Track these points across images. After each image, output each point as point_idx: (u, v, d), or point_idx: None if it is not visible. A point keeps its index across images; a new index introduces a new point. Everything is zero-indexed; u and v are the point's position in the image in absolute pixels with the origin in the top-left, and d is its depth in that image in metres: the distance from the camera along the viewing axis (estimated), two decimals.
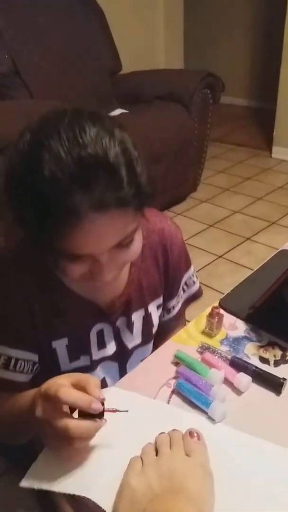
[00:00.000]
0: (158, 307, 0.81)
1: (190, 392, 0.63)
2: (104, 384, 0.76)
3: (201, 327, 0.77)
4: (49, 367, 0.71)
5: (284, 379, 0.64)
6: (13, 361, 0.67)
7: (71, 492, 0.50)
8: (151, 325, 0.80)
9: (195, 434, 0.54)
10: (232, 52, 4.59)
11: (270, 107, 3.41)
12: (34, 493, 0.53)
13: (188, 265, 0.84)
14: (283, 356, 0.71)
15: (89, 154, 0.47)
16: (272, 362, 0.70)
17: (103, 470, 0.53)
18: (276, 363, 0.70)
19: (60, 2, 2.45)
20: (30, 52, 2.28)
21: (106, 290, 0.71)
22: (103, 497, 0.49)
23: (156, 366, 0.70)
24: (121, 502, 0.47)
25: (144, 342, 0.79)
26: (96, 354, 0.74)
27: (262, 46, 4.36)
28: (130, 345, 0.78)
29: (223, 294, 0.86)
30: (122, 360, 0.79)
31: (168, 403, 0.63)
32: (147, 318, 0.78)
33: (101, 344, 0.74)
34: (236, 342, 0.74)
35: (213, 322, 0.75)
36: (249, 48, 4.51)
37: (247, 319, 0.79)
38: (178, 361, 0.69)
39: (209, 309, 0.76)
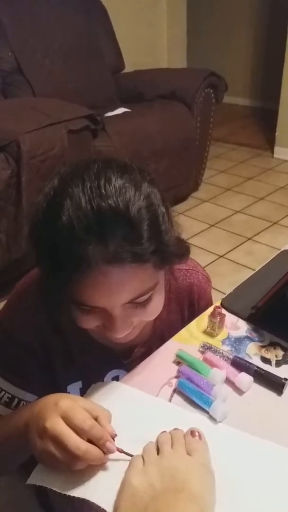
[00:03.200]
0: None
1: (191, 391, 0.63)
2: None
3: (203, 327, 0.77)
4: None
5: (286, 379, 0.64)
6: (16, 401, 0.66)
7: (72, 494, 0.50)
8: None
9: (197, 433, 0.54)
10: (235, 52, 4.58)
11: (273, 107, 3.41)
12: (34, 492, 0.53)
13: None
14: (284, 356, 0.71)
15: (110, 205, 0.46)
16: (273, 362, 0.70)
17: (104, 469, 0.53)
18: (278, 363, 0.70)
19: (63, 1, 2.45)
20: (33, 50, 2.28)
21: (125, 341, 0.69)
22: (104, 496, 0.49)
23: (157, 365, 0.70)
24: (122, 501, 0.47)
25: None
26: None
27: (265, 45, 4.35)
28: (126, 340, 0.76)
29: (225, 294, 0.86)
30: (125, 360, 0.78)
31: (169, 402, 0.63)
32: None
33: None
34: (237, 342, 0.74)
35: (215, 321, 0.74)
36: (252, 47, 4.50)
37: (249, 319, 0.79)
38: (179, 360, 0.69)
39: (211, 309, 0.76)
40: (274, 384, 0.65)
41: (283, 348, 0.73)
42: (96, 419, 0.50)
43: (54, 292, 0.52)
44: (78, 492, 0.50)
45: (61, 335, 0.66)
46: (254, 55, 4.52)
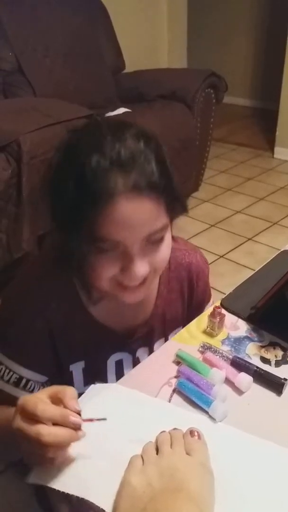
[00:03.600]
0: None
1: (191, 391, 0.63)
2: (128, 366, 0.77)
3: (203, 327, 0.78)
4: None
5: (285, 379, 0.64)
6: (24, 381, 0.67)
7: (72, 493, 0.50)
8: None
9: (196, 433, 0.54)
10: (235, 52, 4.58)
11: (273, 108, 3.41)
12: (33, 492, 0.53)
13: (208, 298, 0.86)
14: (284, 356, 0.71)
15: (129, 145, 0.53)
16: (273, 362, 0.70)
17: (103, 469, 0.53)
18: (277, 364, 0.70)
19: (63, 0, 2.45)
20: (33, 50, 2.28)
21: (129, 314, 0.71)
22: (103, 496, 0.49)
23: (157, 365, 0.71)
24: (121, 501, 0.47)
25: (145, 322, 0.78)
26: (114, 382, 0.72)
27: (266, 46, 4.35)
28: (134, 323, 0.75)
29: (224, 294, 0.86)
30: (151, 344, 0.79)
31: (169, 402, 0.63)
32: None
33: (120, 374, 0.74)
34: (237, 342, 0.75)
35: (215, 322, 0.75)
36: (252, 48, 4.50)
37: (248, 319, 0.79)
38: (179, 360, 0.70)
39: (210, 309, 0.76)
40: (273, 384, 0.65)
41: (283, 348, 0.73)
42: (62, 400, 0.50)
43: (74, 242, 0.56)
44: (77, 491, 0.50)
45: (64, 316, 0.67)
46: (255, 56, 4.52)
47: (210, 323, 0.76)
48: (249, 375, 0.65)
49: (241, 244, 2.28)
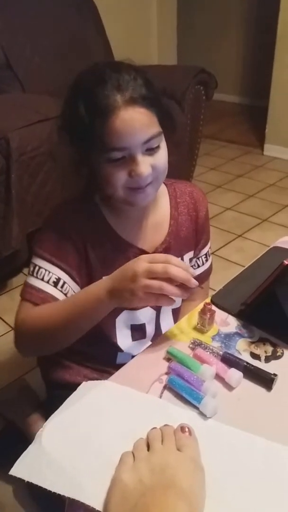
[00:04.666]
0: (190, 260, 0.93)
1: (181, 387, 0.63)
2: (143, 330, 0.87)
3: (193, 323, 0.78)
4: None
5: (275, 375, 0.65)
6: (61, 282, 0.76)
7: (60, 493, 0.50)
8: None
9: (187, 429, 0.54)
10: (225, 49, 4.59)
11: (263, 105, 3.42)
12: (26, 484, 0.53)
13: (208, 238, 0.97)
14: (274, 352, 0.72)
15: (124, 73, 0.68)
16: (263, 358, 0.71)
17: (94, 465, 0.53)
18: (267, 359, 0.70)
19: None
20: (22, 47, 2.25)
21: (149, 232, 0.82)
22: (94, 494, 0.49)
23: (148, 361, 0.71)
24: (112, 497, 0.47)
25: None
26: None
27: (255, 43, 4.36)
28: None
29: (215, 290, 0.86)
30: (159, 307, 0.88)
31: (160, 398, 0.64)
32: None
33: None
34: (227, 338, 0.75)
35: (205, 318, 0.75)
36: (242, 45, 4.51)
37: (238, 315, 0.80)
38: (170, 357, 0.70)
39: (201, 305, 0.76)
40: (263, 379, 0.65)
41: (272, 344, 0.73)
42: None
43: (91, 159, 0.70)
44: (65, 491, 0.50)
45: (92, 231, 0.78)
46: (245, 53, 4.53)
47: (201, 319, 0.76)
48: (239, 371, 0.66)
49: (231, 241, 2.28)
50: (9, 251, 1.70)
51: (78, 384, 0.66)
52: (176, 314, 0.94)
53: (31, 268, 0.76)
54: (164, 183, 0.84)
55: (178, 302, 0.92)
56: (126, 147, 0.67)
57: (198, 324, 0.77)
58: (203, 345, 0.71)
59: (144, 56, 3.32)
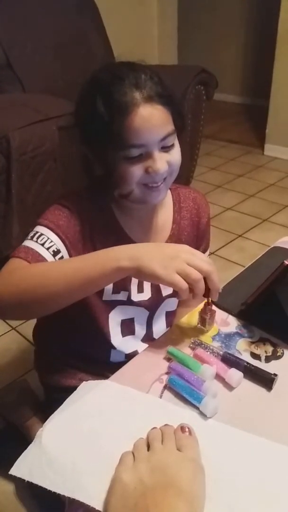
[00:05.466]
0: None
1: (182, 387, 0.63)
2: (132, 326, 0.86)
3: (194, 323, 0.78)
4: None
5: (275, 375, 0.65)
6: (60, 254, 0.73)
7: (60, 492, 0.50)
8: None
9: (187, 429, 0.54)
10: (226, 49, 4.58)
11: (263, 105, 3.42)
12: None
13: (208, 245, 0.98)
14: (274, 352, 0.72)
15: (140, 72, 0.70)
16: (263, 358, 0.71)
17: (94, 465, 0.53)
18: (267, 359, 0.70)
19: None
20: (22, 45, 2.25)
21: (152, 234, 0.83)
22: (94, 494, 0.49)
23: (148, 361, 0.71)
24: (113, 497, 0.47)
25: (175, 292, 0.84)
26: (135, 296, 0.83)
27: (256, 43, 4.36)
28: (164, 293, 0.87)
29: None
30: (153, 308, 0.88)
31: (160, 398, 0.64)
32: None
33: (140, 288, 0.83)
34: (228, 338, 0.75)
35: (206, 318, 0.75)
36: (242, 44, 4.51)
37: (239, 315, 0.80)
38: (170, 356, 0.70)
39: (201, 305, 0.76)
40: (263, 379, 0.65)
41: (273, 344, 0.73)
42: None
43: (107, 156, 0.70)
44: (66, 490, 0.50)
45: (101, 225, 0.78)
46: (245, 52, 4.53)
47: (201, 319, 0.76)
48: (240, 371, 0.66)
49: (231, 240, 2.28)
50: (10, 250, 1.69)
51: (74, 387, 0.65)
52: (170, 318, 0.93)
53: (31, 234, 0.73)
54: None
55: (173, 305, 0.92)
56: (144, 144, 0.69)
57: (198, 324, 0.77)
58: (203, 345, 0.71)
59: (144, 56, 3.29)
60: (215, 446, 0.55)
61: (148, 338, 0.89)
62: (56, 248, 0.72)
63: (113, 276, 0.63)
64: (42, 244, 0.71)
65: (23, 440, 0.80)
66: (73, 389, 0.65)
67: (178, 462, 0.49)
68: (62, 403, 0.62)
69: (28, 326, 1.39)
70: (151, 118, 0.68)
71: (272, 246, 1.04)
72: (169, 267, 0.61)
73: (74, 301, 0.66)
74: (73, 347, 0.89)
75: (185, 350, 0.71)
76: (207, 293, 0.65)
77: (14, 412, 1.13)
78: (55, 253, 0.72)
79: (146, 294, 0.85)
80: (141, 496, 0.46)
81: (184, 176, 2.66)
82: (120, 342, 0.86)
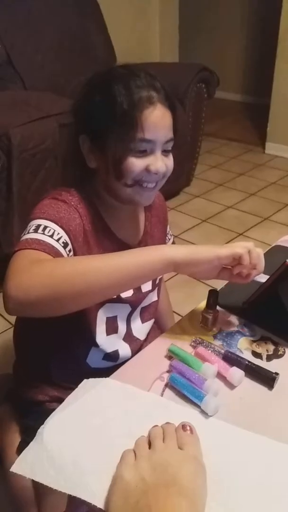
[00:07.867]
0: None
1: (183, 386, 0.63)
2: (115, 324, 0.85)
3: (195, 322, 0.78)
4: None
5: (277, 373, 0.65)
6: (69, 247, 0.72)
7: (62, 490, 0.50)
8: None
9: (188, 427, 0.54)
10: (227, 47, 4.58)
11: (264, 103, 3.41)
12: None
13: (167, 221, 1.02)
14: (275, 350, 0.72)
15: (157, 79, 0.74)
16: (264, 356, 0.71)
17: (95, 463, 0.53)
18: (269, 358, 0.70)
19: None
20: (24, 43, 2.25)
21: (131, 231, 0.86)
22: (95, 491, 0.49)
23: (149, 359, 0.71)
24: (114, 495, 0.47)
25: (153, 287, 0.92)
26: (123, 293, 0.83)
27: (257, 41, 4.35)
28: (144, 290, 0.88)
29: (217, 289, 0.86)
30: (135, 305, 0.88)
31: (161, 396, 0.64)
32: None
33: None
34: (229, 336, 0.75)
35: (208, 318, 0.75)
36: (244, 42, 4.50)
37: (240, 314, 0.79)
38: (171, 355, 0.70)
39: (203, 304, 0.76)
40: (265, 378, 0.65)
41: (274, 343, 0.73)
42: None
43: (112, 147, 0.71)
44: (67, 488, 0.50)
45: (89, 221, 0.77)
46: (247, 50, 4.52)
47: (204, 319, 0.76)
48: (241, 369, 0.66)
49: (232, 239, 2.28)
50: (11, 248, 1.70)
51: (45, 403, 0.64)
52: (144, 314, 0.92)
53: (33, 227, 0.69)
54: None
55: (147, 301, 0.91)
56: (153, 141, 0.71)
57: (200, 323, 0.77)
58: (204, 344, 0.71)
59: (145, 54, 3.31)
60: (217, 445, 0.55)
61: (128, 336, 0.88)
62: (65, 240, 0.70)
63: (166, 268, 0.66)
64: (51, 236, 0.68)
65: None
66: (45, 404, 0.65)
67: (180, 460, 0.49)
68: (41, 416, 0.60)
69: None
70: (163, 118, 0.72)
71: (273, 245, 1.04)
72: (240, 248, 0.69)
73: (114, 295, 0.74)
74: (50, 348, 0.87)
75: (186, 348, 0.71)
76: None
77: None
78: (65, 245, 0.69)
79: (130, 291, 0.84)
80: (143, 494, 0.46)
81: (185, 174, 2.66)
82: (104, 340, 0.84)
